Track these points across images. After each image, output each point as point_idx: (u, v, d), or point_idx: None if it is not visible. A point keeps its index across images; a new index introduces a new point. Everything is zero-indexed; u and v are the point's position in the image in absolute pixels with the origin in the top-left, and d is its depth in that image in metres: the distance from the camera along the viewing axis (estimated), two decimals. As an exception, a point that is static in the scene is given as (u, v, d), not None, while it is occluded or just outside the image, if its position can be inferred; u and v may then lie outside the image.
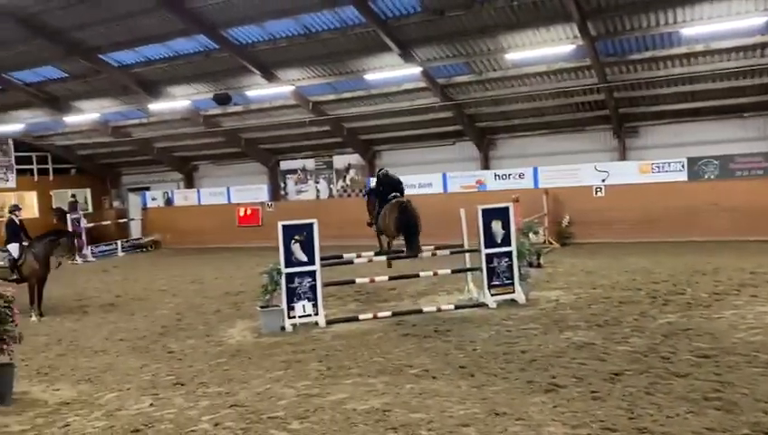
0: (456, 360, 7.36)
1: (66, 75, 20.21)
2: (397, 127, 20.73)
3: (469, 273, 11.00)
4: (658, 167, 17.69)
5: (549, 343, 7.84)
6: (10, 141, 24.23)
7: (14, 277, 11.51)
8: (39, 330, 10.32)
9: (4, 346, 6.97)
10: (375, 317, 9.65)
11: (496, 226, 10.34)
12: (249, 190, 24.02)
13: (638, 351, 7.25)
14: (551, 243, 17.31)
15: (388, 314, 9.81)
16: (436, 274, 10.72)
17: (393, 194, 10.72)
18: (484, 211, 10.32)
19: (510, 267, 10.37)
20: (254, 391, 6.64)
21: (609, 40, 15.42)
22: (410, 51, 16.57)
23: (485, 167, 20.47)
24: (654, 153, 18.18)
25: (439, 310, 9.95)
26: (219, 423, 5.80)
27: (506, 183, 19.33)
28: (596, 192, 18.39)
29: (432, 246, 10.71)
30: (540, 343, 7.87)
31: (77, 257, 11.70)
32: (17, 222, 12.17)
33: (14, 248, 11.75)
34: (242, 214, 23.55)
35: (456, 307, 10.10)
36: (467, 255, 10.98)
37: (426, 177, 20.68)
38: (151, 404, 6.47)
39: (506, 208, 10.51)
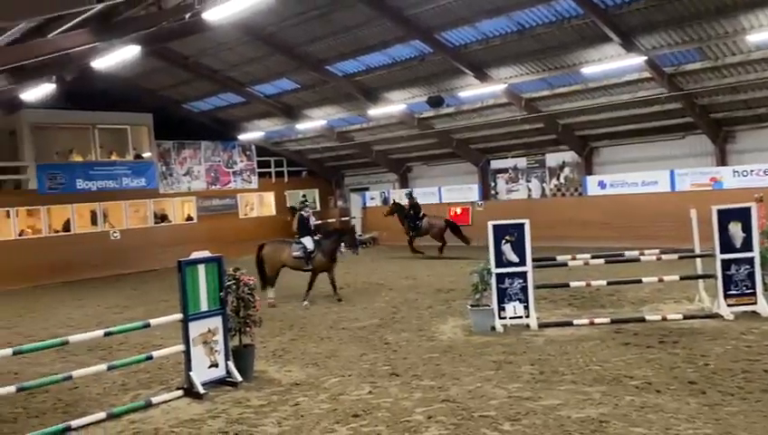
0: (684, 374, 6.70)
1: (298, 86, 22.29)
2: (616, 121, 19.46)
3: (701, 280, 9.95)
4: None
5: (802, 364, 6.79)
6: (253, 147, 27.42)
7: (308, 268, 12.85)
8: (274, 316, 11.49)
9: (247, 329, 7.89)
10: (591, 323, 9.18)
11: (735, 228, 9.21)
12: (460, 190, 24.35)
13: None
14: (804, 249, 14.94)
15: (607, 320, 9.27)
16: (661, 280, 9.86)
17: (422, 214, 19.85)
18: (720, 212, 9.25)
19: (751, 275, 9.17)
20: (465, 389, 6.71)
21: None
22: (633, 39, 15.45)
23: (722, 162, 18.31)
24: None
25: (665, 319, 9.13)
26: (432, 417, 5.95)
27: (748, 180, 17.11)
28: None
29: (656, 250, 9.88)
30: (790, 363, 6.85)
31: (357, 251, 13.23)
32: (306, 217, 13.48)
33: (308, 241, 12.91)
34: (452, 213, 23.94)
35: (685, 317, 9.19)
36: (699, 260, 9.94)
37: (650, 174, 19.18)
38: (370, 392, 6.86)
39: (747, 209, 9.29)
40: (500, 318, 9.37)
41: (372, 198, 27.37)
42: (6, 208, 20.70)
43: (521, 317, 9.39)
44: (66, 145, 22.73)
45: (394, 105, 21.32)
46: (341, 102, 22.90)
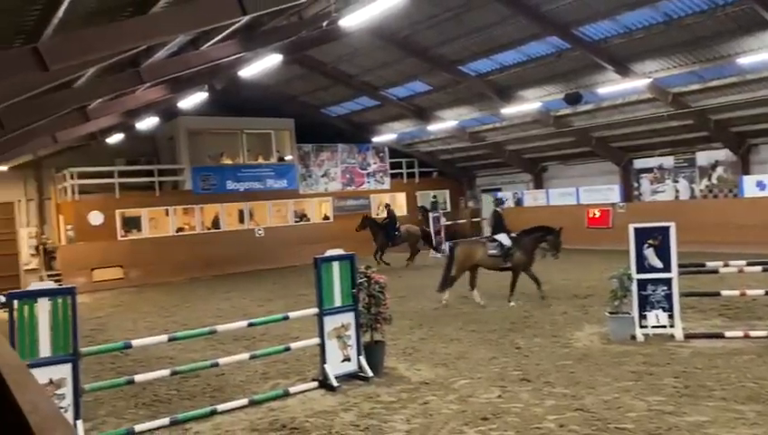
0: None
1: (430, 88, 22.44)
2: (779, 116, 17.66)
3: None
4: None
5: None
6: (386, 149, 28.01)
7: (507, 265, 12.38)
8: (404, 314, 11.64)
9: (378, 325, 8.08)
10: (746, 336, 8.40)
11: None
12: (599, 191, 23.24)
13: None
14: None
15: (764, 333, 8.43)
16: (831, 291, 8.83)
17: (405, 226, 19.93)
18: None
19: None
20: (600, 398, 6.41)
21: None
22: (800, 24, 13.96)
23: None
24: None
25: (836, 335, 8.16)
26: (564, 425, 5.74)
27: None
28: None
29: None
30: None
31: (557, 255, 12.46)
32: (501, 214, 13.16)
33: (504, 238, 12.44)
34: (591, 215, 22.93)
35: None
36: None
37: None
38: (499, 396, 6.76)
39: None
40: (641, 327, 8.85)
41: (505, 199, 26.87)
42: (166, 207, 22.77)
43: (664, 327, 8.80)
44: (217, 149, 24.56)
45: (528, 103, 20.82)
46: (474, 102, 22.74)
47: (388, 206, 21.59)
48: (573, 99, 19.48)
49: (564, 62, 18.24)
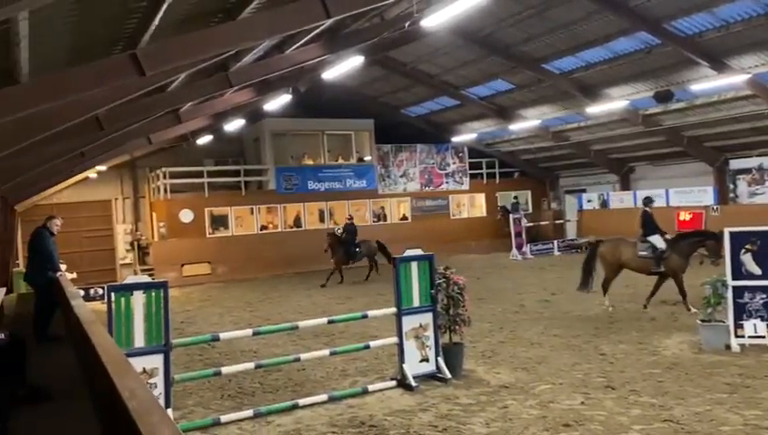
0: None
1: (513, 87, 22.05)
2: None
3: None
4: None
5: None
6: (465, 149, 27.77)
7: (659, 269, 11.67)
8: (484, 317, 11.51)
9: (456, 327, 8.04)
10: None
11: None
12: (691, 193, 22.12)
13: None
14: None
15: None
16: None
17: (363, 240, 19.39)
18: None
19: None
20: (691, 410, 6.11)
21: None
22: None
23: None
24: None
25: None
26: (651, 436, 5.53)
27: None
28: None
29: None
30: None
31: (718, 262, 10.89)
32: (651, 214, 12.22)
33: (657, 240, 11.72)
34: (681, 218, 21.86)
35: None
36: None
37: None
38: (582, 402, 6.57)
39: None
40: (736, 337, 8.37)
41: (589, 201, 26.07)
42: (251, 206, 23.55)
43: (763, 337, 8.28)
44: (299, 150, 25.16)
45: (615, 102, 20.09)
46: (557, 101, 22.18)
47: (350, 218, 20.63)
48: (664, 97, 18.63)
49: (654, 58, 17.47)
